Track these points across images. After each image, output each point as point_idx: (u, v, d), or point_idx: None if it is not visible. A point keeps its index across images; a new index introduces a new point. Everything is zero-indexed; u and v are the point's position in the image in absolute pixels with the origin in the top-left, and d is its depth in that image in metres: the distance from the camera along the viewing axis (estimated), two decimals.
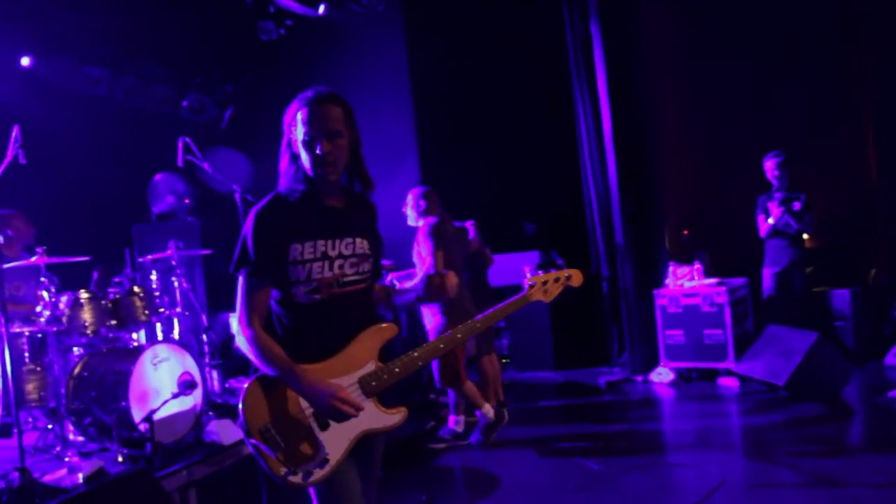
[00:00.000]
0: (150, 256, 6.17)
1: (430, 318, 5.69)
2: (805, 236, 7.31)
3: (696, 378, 7.46)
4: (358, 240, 2.54)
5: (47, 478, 4.19)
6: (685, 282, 7.65)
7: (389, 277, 6.20)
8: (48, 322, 4.98)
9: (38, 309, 5.04)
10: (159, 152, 6.92)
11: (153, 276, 5.80)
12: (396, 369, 2.50)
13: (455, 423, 5.98)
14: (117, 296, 5.35)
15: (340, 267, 2.49)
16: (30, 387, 5.03)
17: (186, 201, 8.43)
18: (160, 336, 6.02)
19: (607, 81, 7.95)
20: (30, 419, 5.37)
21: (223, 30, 8.80)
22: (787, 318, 6.98)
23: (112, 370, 4.83)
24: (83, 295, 5.21)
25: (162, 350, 4.98)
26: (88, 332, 5.16)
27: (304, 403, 2.39)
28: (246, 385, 2.39)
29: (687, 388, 7.24)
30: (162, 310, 5.66)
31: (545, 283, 2.81)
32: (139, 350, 4.92)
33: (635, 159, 8.04)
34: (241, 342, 2.42)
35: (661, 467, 5.04)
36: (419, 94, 9.48)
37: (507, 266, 8.28)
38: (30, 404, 5.07)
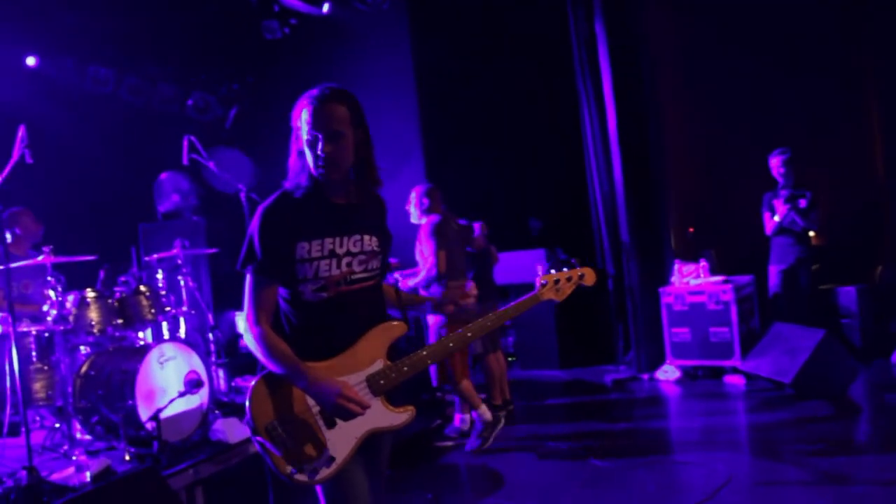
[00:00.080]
0: (155, 255, 6.19)
1: (431, 315, 5.67)
2: (811, 233, 7.29)
3: (702, 376, 7.45)
4: (366, 237, 2.53)
5: (55, 476, 4.20)
6: (691, 279, 7.64)
7: (395, 275, 6.20)
8: (55, 321, 4.99)
9: (45, 308, 5.06)
10: (164, 151, 6.93)
11: (159, 275, 5.81)
12: (405, 368, 2.49)
13: (461, 421, 5.98)
14: (124, 295, 5.37)
15: (348, 265, 2.48)
16: (37, 386, 5.06)
17: (192, 200, 8.45)
18: (166, 335, 6.03)
19: (612, 79, 7.94)
20: (37, 418, 5.40)
21: (228, 29, 8.83)
22: (794, 316, 6.96)
23: (119, 369, 4.84)
24: (90, 294, 5.23)
25: (168, 349, 4.99)
26: (95, 330, 5.18)
27: (310, 402, 2.38)
28: (253, 383, 2.39)
29: (693, 386, 7.23)
30: (168, 308, 5.67)
31: (557, 281, 2.78)
32: (146, 349, 4.93)
33: (640, 157, 8.03)
34: (249, 340, 2.42)
35: (667, 465, 5.03)
36: (424, 92, 9.49)
37: (512, 264, 8.29)
38: (37, 403, 5.10)
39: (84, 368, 5.05)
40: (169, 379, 4.89)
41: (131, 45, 8.28)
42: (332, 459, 2.37)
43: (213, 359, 6.31)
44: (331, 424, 2.39)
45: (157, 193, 8.59)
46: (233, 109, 9.55)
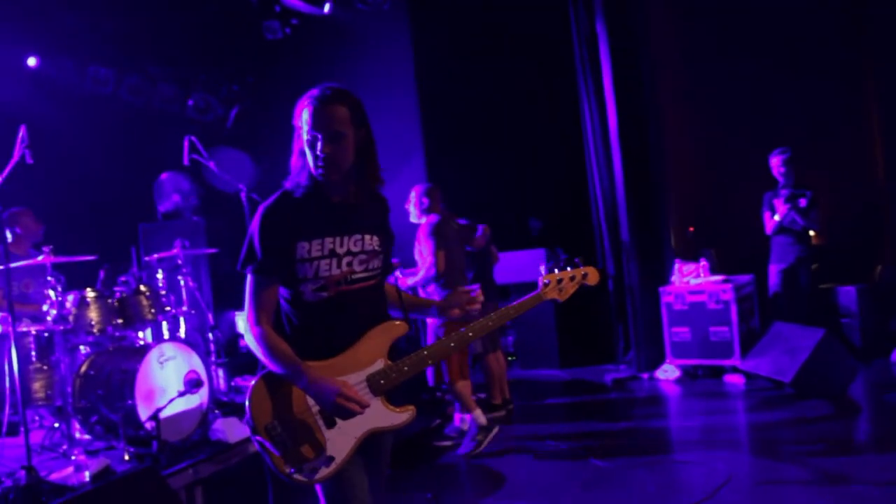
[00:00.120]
0: (156, 255, 6.19)
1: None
2: (811, 233, 7.29)
3: (702, 375, 7.46)
4: (367, 236, 2.52)
5: (54, 476, 4.21)
6: (691, 279, 7.64)
7: (395, 273, 6.20)
8: (55, 321, 4.99)
9: (45, 308, 5.06)
10: (165, 151, 6.93)
11: (159, 275, 5.82)
12: (406, 367, 2.49)
13: (461, 421, 5.97)
14: (123, 294, 5.37)
15: (349, 264, 2.47)
16: (36, 385, 5.06)
17: (192, 200, 8.45)
18: (166, 335, 6.04)
19: (613, 79, 7.94)
20: (36, 418, 5.40)
21: (229, 29, 8.84)
22: (794, 315, 6.97)
23: (118, 369, 4.84)
24: (90, 294, 5.23)
25: (168, 349, 5.00)
26: (95, 330, 5.19)
27: (310, 401, 2.38)
28: (253, 383, 2.39)
29: (693, 386, 7.23)
30: (168, 308, 5.67)
31: (560, 281, 2.75)
32: (145, 349, 4.93)
33: (641, 157, 8.03)
34: (250, 340, 2.42)
35: (667, 464, 5.03)
36: (425, 92, 9.49)
37: (512, 263, 8.29)
38: (36, 403, 5.10)
39: (84, 368, 5.06)
40: (169, 379, 4.90)
41: (131, 45, 8.29)
42: (332, 459, 2.36)
43: (213, 358, 6.32)
44: (330, 424, 2.39)
45: (157, 193, 8.60)
46: (234, 109, 9.55)
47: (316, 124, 2.38)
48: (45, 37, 7.59)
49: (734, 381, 7.07)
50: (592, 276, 2.81)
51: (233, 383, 6.47)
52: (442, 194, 5.98)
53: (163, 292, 5.68)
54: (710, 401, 6.67)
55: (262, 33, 8.90)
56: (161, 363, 4.89)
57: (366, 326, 2.49)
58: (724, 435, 5.63)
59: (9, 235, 5.50)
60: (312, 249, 2.42)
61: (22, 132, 4.54)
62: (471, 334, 2.61)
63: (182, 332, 6.14)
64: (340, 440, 2.39)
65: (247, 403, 2.36)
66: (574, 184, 9.07)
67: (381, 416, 2.45)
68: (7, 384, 4.80)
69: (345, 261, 2.46)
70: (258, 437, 2.34)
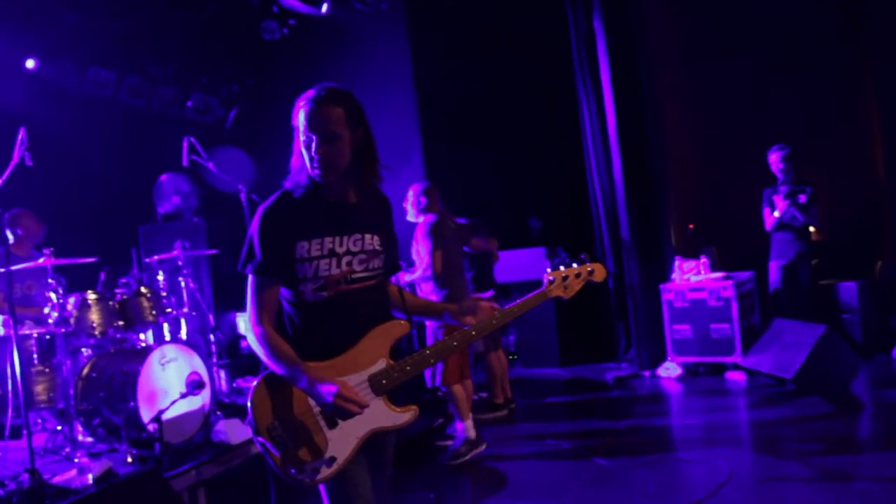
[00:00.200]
0: (156, 257, 6.19)
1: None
2: (811, 229, 7.29)
3: (703, 372, 7.46)
4: (367, 236, 2.51)
5: (57, 479, 4.21)
6: (691, 276, 7.64)
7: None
8: (56, 323, 4.99)
9: (46, 310, 5.06)
10: (165, 153, 6.93)
11: (160, 277, 5.81)
12: (408, 367, 2.48)
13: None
14: (124, 296, 5.37)
15: (349, 264, 2.47)
16: (39, 388, 5.06)
17: (192, 201, 8.45)
18: (168, 336, 6.03)
19: (611, 77, 7.94)
20: (39, 420, 5.40)
21: (227, 30, 8.83)
22: (794, 312, 6.96)
23: (120, 371, 4.85)
24: (91, 296, 5.23)
25: (170, 350, 5.00)
26: (96, 332, 5.18)
27: (311, 402, 2.38)
28: (254, 384, 2.39)
29: (694, 383, 7.23)
30: (169, 310, 5.67)
31: (565, 278, 2.72)
32: (147, 350, 4.94)
33: (640, 154, 8.03)
34: (251, 340, 2.42)
35: (669, 462, 5.03)
36: (423, 91, 9.49)
37: (512, 262, 8.29)
38: (39, 406, 5.10)
39: (85, 370, 5.06)
40: (170, 380, 4.90)
41: (131, 46, 8.28)
42: (334, 459, 2.36)
43: (215, 360, 6.31)
44: (332, 425, 2.39)
45: (157, 195, 8.59)
46: (233, 110, 9.55)
47: (311, 125, 2.38)
48: (45, 39, 7.58)
49: (735, 378, 7.08)
50: (599, 273, 2.77)
51: (234, 384, 6.47)
52: (440, 193, 5.96)
53: (163, 294, 5.68)
54: (711, 398, 6.68)
55: (261, 34, 8.89)
56: (163, 365, 4.90)
57: (367, 326, 2.48)
58: (725, 432, 5.63)
59: (10, 237, 5.51)
60: (312, 249, 2.42)
61: (21, 134, 4.54)
62: (474, 333, 2.60)
63: (183, 334, 6.13)
64: (342, 440, 2.39)
65: (248, 404, 2.36)
66: (573, 182, 9.07)
67: (384, 416, 2.45)
68: (10, 387, 4.80)
69: (344, 260, 2.46)
70: (260, 438, 2.34)
